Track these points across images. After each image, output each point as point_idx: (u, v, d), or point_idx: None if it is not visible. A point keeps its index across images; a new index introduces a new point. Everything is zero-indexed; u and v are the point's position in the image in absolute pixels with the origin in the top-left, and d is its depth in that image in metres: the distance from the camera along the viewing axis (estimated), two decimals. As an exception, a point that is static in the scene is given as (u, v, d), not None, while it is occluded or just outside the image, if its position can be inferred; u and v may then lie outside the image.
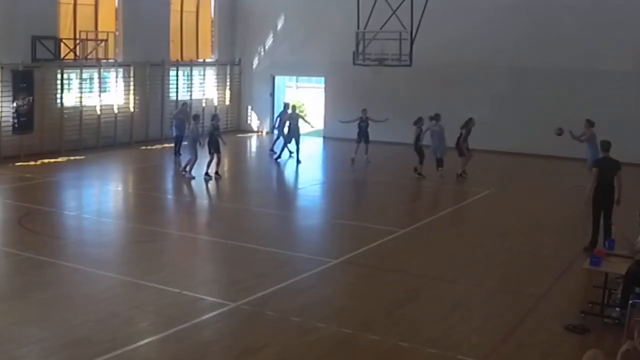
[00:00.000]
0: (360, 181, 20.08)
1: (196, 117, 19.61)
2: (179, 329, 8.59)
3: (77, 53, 22.43)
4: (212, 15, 28.14)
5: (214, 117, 19.37)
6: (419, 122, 19.26)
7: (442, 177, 18.80)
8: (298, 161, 21.36)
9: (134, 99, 24.50)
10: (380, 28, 20.74)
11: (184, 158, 19.39)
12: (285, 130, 21.89)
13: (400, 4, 20.49)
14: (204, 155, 18.48)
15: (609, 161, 12.18)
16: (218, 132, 18.72)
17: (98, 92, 23.51)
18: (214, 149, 18.25)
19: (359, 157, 21.04)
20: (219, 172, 18.54)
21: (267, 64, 28.25)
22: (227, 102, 28.53)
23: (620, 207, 12.24)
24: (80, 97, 22.94)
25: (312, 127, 22.86)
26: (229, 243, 12.80)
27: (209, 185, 18.92)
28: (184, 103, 22.91)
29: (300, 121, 21.82)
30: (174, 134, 21.58)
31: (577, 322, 9.03)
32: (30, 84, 21.08)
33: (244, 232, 13.59)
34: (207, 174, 18.27)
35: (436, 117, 19.14)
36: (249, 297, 9.74)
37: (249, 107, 28.99)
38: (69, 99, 22.88)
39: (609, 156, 12.25)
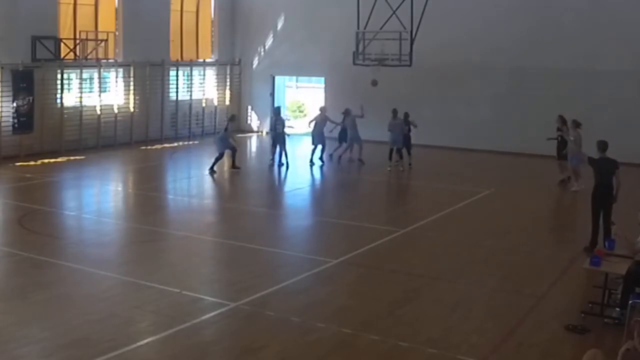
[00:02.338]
0: (359, 181, 20.08)
1: (278, 109, 21.85)
2: (179, 329, 8.59)
3: (77, 53, 22.44)
4: (212, 15, 28.15)
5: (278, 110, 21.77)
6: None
7: (402, 169, 20.20)
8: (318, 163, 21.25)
9: (134, 99, 24.50)
10: (380, 28, 20.75)
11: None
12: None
13: (400, 4, 20.49)
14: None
15: (606, 161, 12.14)
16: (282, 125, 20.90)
17: (98, 92, 23.52)
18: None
19: (344, 155, 21.78)
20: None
21: (267, 64, 28.25)
22: (227, 102, 28.53)
23: (621, 207, 12.25)
24: (80, 97, 22.94)
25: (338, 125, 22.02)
26: (229, 243, 12.81)
27: (209, 185, 18.96)
28: (233, 115, 21.92)
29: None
30: (219, 151, 19.69)
31: (577, 322, 9.03)
32: (30, 84, 21.09)
33: (244, 232, 13.60)
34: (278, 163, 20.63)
35: (394, 112, 20.84)
36: (249, 297, 9.75)
37: (249, 107, 29.00)
38: (69, 99, 22.88)
39: (606, 156, 12.20)
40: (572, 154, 17.12)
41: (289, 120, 27.26)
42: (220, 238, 13.33)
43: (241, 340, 8.49)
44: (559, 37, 22.64)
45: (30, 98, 21.12)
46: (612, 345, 8.07)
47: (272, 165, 20.72)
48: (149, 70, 24.70)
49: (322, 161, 21.26)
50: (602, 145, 12.28)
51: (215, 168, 19.33)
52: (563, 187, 18.06)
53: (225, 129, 20.15)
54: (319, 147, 21.20)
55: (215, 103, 27.86)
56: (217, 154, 19.60)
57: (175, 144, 24.86)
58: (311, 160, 21.00)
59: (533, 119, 23.06)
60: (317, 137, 21.28)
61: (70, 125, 22.55)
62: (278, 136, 20.54)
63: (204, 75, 27.63)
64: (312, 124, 21.58)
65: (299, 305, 9.59)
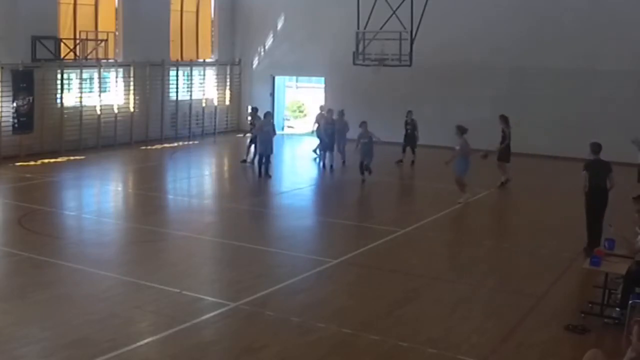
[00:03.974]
0: (359, 181, 20.06)
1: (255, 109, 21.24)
2: (179, 329, 8.59)
3: (77, 53, 22.44)
4: (212, 15, 28.15)
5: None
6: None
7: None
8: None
9: (134, 99, 24.50)
10: (380, 28, 20.74)
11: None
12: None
13: (400, 4, 20.49)
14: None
15: (600, 163, 12.22)
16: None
17: (98, 92, 23.52)
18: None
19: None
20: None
21: (267, 64, 28.26)
22: (227, 102, 28.54)
23: (620, 207, 12.24)
24: (80, 97, 22.95)
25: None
26: (229, 243, 12.81)
27: (209, 185, 18.96)
28: (268, 112, 20.47)
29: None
30: (258, 151, 19.12)
31: (577, 322, 9.03)
32: (30, 84, 21.09)
33: (244, 232, 13.60)
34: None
35: (363, 125, 18.62)
36: (249, 297, 9.75)
37: (249, 107, 28.96)
38: (69, 99, 22.88)
39: (599, 158, 12.27)
40: (457, 163, 16.18)
41: (288, 120, 27.33)
42: (220, 238, 13.33)
43: (241, 340, 8.49)
44: (559, 37, 22.65)
45: (30, 98, 21.12)
46: (612, 345, 8.07)
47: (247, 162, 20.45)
48: (149, 70, 24.69)
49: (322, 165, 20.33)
50: (595, 148, 12.27)
51: (270, 172, 18.86)
52: (503, 189, 17.87)
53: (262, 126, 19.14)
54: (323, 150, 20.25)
55: (215, 103, 27.86)
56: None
57: (175, 144, 24.86)
58: (330, 167, 20.27)
59: (533, 119, 23.08)
60: (322, 140, 20.35)
61: (70, 125, 22.55)
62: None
63: (204, 75, 27.63)
64: (315, 126, 21.11)
65: (299, 305, 9.59)
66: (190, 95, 26.84)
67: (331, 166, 20.27)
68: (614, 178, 12.04)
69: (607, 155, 12.44)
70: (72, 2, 22.76)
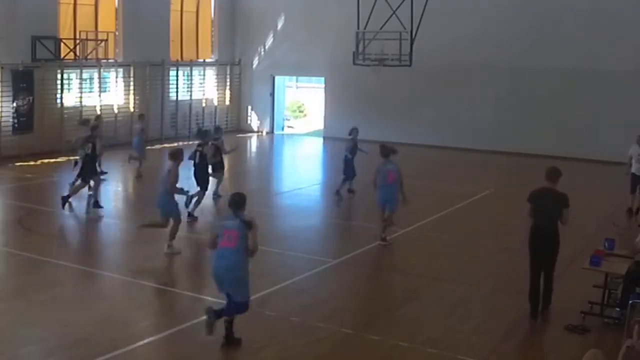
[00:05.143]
0: (359, 181, 20.05)
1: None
2: (179, 329, 8.60)
3: (77, 53, 22.45)
4: (212, 15, 28.16)
5: None
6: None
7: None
8: None
9: (134, 99, 24.51)
10: (380, 28, 20.74)
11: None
12: None
13: (400, 4, 20.49)
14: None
15: (551, 195, 9.42)
16: None
17: (98, 92, 23.53)
18: None
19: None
20: None
21: (267, 64, 28.26)
22: (227, 102, 28.54)
23: (620, 207, 12.22)
24: (80, 97, 22.97)
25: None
26: (229, 243, 12.78)
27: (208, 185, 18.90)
28: (354, 129, 17.01)
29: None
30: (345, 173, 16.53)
31: (577, 322, 9.04)
32: (30, 84, 21.10)
33: (244, 232, 13.57)
34: None
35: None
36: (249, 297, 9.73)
37: (249, 107, 29.00)
38: (69, 99, 22.90)
39: (552, 188, 9.46)
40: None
41: (288, 120, 26.70)
42: (220, 238, 13.29)
43: (241, 340, 8.48)
44: (559, 37, 22.66)
45: (30, 98, 21.13)
46: (612, 345, 8.07)
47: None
48: (149, 70, 24.70)
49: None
50: (551, 174, 9.35)
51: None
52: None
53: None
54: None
55: (215, 103, 27.87)
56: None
57: (175, 144, 24.82)
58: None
59: (533, 119, 23.11)
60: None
61: (70, 125, 22.51)
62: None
63: (204, 75, 27.65)
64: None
65: (299, 305, 9.59)
66: (190, 95, 26.85)
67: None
68: (568, 215, 9.14)
69: (606, 156, 12.36)
70: (72, 2, 22.78)
